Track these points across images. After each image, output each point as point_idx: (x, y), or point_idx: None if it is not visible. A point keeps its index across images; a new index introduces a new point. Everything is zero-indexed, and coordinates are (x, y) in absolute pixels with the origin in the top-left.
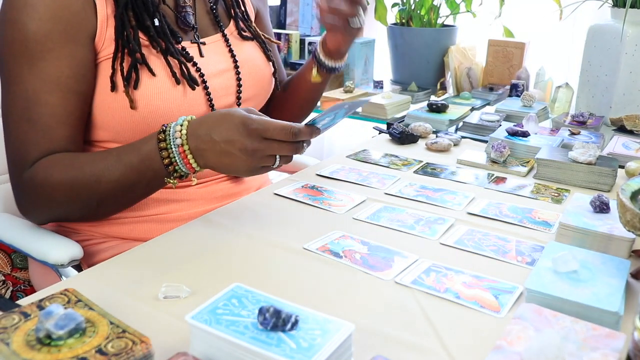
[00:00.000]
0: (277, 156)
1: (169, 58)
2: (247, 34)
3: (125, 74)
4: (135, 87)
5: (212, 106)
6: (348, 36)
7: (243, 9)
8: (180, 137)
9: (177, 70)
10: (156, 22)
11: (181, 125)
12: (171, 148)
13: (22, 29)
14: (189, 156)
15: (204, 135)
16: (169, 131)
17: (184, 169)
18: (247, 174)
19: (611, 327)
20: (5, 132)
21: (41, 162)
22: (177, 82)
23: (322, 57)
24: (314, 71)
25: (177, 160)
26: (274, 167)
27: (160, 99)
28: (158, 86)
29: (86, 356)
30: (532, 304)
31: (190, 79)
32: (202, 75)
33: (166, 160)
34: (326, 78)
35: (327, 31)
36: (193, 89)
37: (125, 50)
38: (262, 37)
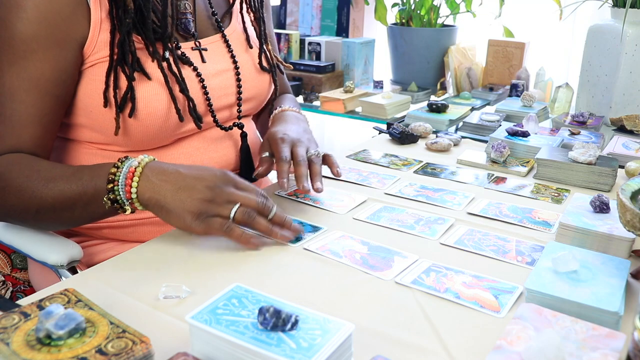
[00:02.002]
0: (233, 210)
1: (172, 85)
2: (265, 65)
3: (119, 101)
4: (131, 115)
5: (211, 107)
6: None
7: (262, 28)
8: (139, 162)
9: (177, 96)
10: (167, 55)
11: (148, 157)
12: (123, 168)
13: (9, 27)
14: (135, 177)
15: (169, 168)
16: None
17: (121, 191)
18: (195, 218)
19: (611, 327)
20: None
21: (4, 157)
22: (181, 119)
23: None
24: None
25: (120, 179)
26: (229, 218)
27: (156, 119)
28: (154, 107)
29: (86, 356)
30: (532, 304)
31: (197, 117)
32: (202, 81)
33: (110, 176)
34: None
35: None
36: (199, 127)
37: (120, 67)
38: (278, 67)
